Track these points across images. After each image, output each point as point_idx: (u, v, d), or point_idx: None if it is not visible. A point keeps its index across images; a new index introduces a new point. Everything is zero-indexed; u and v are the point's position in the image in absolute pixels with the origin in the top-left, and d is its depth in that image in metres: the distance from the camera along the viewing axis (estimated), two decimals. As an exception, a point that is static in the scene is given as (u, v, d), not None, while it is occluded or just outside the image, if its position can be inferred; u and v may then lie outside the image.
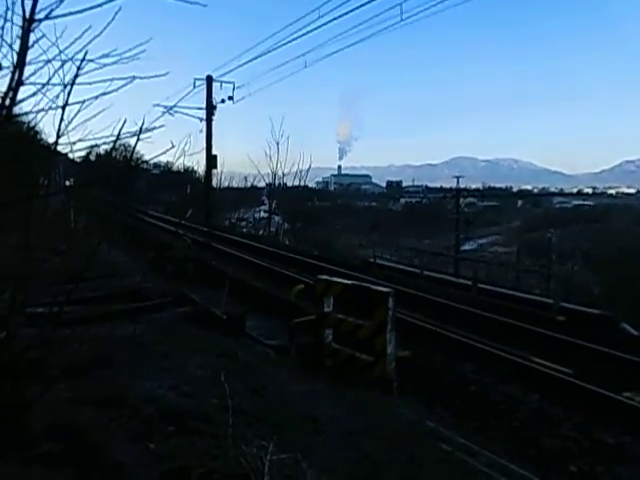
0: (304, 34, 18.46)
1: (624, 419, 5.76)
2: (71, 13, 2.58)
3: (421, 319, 9.39)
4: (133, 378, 3.97)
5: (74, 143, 2.82)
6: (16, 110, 2.73)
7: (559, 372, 6.93)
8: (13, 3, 2.56)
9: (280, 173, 34.50)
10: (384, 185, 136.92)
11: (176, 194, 44.54)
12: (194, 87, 26.21)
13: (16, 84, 2.61)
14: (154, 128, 2.91)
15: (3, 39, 2.58)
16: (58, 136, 2.77)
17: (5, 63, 2.61)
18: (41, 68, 2.65)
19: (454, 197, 40.75)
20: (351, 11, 16.00)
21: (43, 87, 2.66)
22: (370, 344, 6.00)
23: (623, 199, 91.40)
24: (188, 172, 45.63)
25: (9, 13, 2.57)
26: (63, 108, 2.71)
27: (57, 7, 2.57)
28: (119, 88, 2.74)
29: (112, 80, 2.69)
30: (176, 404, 3.53)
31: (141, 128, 2.84)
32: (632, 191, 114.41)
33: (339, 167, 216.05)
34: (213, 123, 26.15)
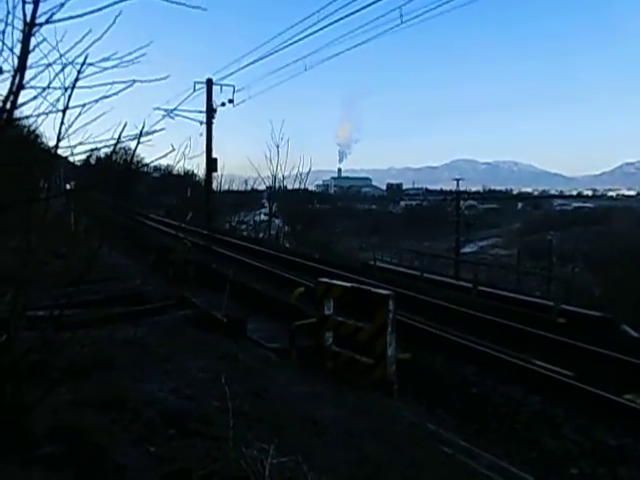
0: (304, 37, 18.51)
1: (626, 421, 5.75)
2: (72, 17, 2.59)
3: (421, 321, 9.39)
4: (134, 381, 3.98)
5: (74, 146, 2.84)
6: (17, 114, 2.75)
7: (560, 374, 6.93)
8: (14, 7, 2.57)
9: (280, 176, 34.61)
10: (384, 188, 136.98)
11: (176, 197, 44.61)
12: (194, 90, 26.27)
13: (17, 88, 2.62)
14: (154, 131, 2.92)
15: (4, 43, 2.59)
16: (59, 139, 2.78)
17: (6, 67, 2.63)
18: (42, 72, 2.66)
19: (454, 200, 40.75)
20: (351, 14, 16.04)
21: (44, 91, 2.67)
22: (370, 347, 6.00)
23: (623, 201, 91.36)
24: (188, 175, 45.76)
25: (10, 17, 2.58)
26: (64, 112, 2.72)
27: (58, 11, 2.58)
28: (119, 92, 2.75)
29: (112, 84, 2.71)
30: (177, 407, 3.54)
31: (141, 131, 2.86)
32: (632, 193, 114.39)
33: (339, 170, 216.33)
34: (213, 126, 26.21)
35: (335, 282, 6.93)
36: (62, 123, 2.74)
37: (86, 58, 2.63)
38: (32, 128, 3.49)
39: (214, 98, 26.20)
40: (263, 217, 39.38)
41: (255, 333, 8.05)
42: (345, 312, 6.63)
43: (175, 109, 24.13)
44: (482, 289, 12.99)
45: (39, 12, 2.59)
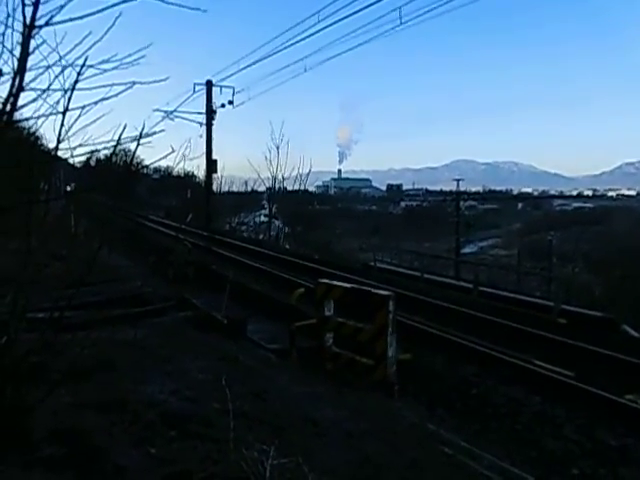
0: (304, 38, 18.46)
1: (626, 421, 5.75)
2: (71, 19, 2.59)
3: (422, 322, 9.39)
4: (135, 382, 3.98)
5: (74, 148, 2.83)
6: (17, 116, 2.75)
7: (560, 375, 6.93)
8: (14, 10, 2.57)
9: (280, 177, 34.60)
10: (384, 189, 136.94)
11: (176, 199, 44.63)
12: (194, 92, 26.22)
13: (17, 90, 2.63)
14: (154, 133, 2.91)
15: (4, 45, 2.60)
16: (58, 141, 2.78)
17: (6, 69, 2.63)
18: (42, 74, 2.67)
19: (454, 200, 40.73)
20: (351, 15, 16.03)
21: (43, 93, 2.67)
22: (371, 347, 6.00)
23: (623, 201, 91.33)
24: (188, 177, 45.81)
25: (10, 20, 2.58)
26: (63, 113, 2.72)
27: (57, 13, 2.58)
28: (119, 93, 2.75)
29: (112, 85, 2.70)
30: (177, 408, 3.53)
31: (141, 133, 2.85)
32: (632, 193, 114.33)
33: (339, 171, 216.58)
34: (213, 128, 26.12)
35: (335, 283, 6.94)
36: (62, 125, 2.74)
37: (86, 60, 2.64)
38: (32, 130, 3.49)
39: (214, 99, 26.15)
40: (263, 218, 39.36)
41: (255, 334, 8.06)
42: (345, 313, 6.63)
43: (175, 110, 24.06)
44: (482, 289, 13.00)
45: (39, 14, 2.59)
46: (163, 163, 46.02)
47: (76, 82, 2.68)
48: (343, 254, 30.89)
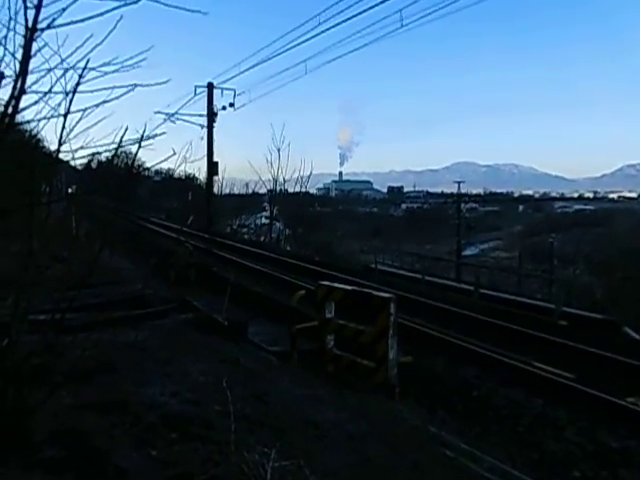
0: (305, 41, 18.51)
1: (628, 424, 5.74)
2: (73, 22, 2.61)
3: (423, 324, 9.38)
4: (136, 384, 3.97)
5: (76, 151, 2.84)
6: (19, 118, 2.76)
7: (562, 377, 6.91)
8: (16, 13, 2.59)
9: (281, 179, 34.69)
10: (385, 191, 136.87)
11: (177, 201, 44.67)
12: (195, 94, 26.29)
13: (19, 92, 2.64)
14: (155, 135, 2.93)
15: (6, 48, 2.61)
16: (60, 144, 2.79)
17: (8, 72, 2.64)
18: (43, 77, 2.68)
19: (455, 202, 40.77)
20: (351, 18, 16.07)
21: (45, 95, 2.68)
22: (372, 350, 5.99)
23: (625, 203, 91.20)
24: (189, 179, 45.82)
25: (12, 23, 2.60)
26: (65, 116, 2.73)
27: (59, 16, 2.60)
28: (120, 96, 2.76)
29: (113, 88, 2.72)
30: (178, 410, 3.53)
31: (142, 135, 2.86)
32: (633, 195, 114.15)
33: (340, 173, 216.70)
34: (214, 130, 26.18)
35: (336, 285, 6.93)
36: (63, 127, 2.75)
37: (87, 63, 2.65)
38: (34, 132, 3.50)
39: (215, 102, 26.22)
40: (264, 220, 39.40)
41: (256, 336, 8.06)
42: (346, 315, 6.62)
43: (176, 113, 24.09)
44: (483, 292, 12.99)
45: (41, 17, 2.60)
46: (164, 165, 46.24)
47: (77, 85, 2.69)
48: (344, 256, 30.90)
